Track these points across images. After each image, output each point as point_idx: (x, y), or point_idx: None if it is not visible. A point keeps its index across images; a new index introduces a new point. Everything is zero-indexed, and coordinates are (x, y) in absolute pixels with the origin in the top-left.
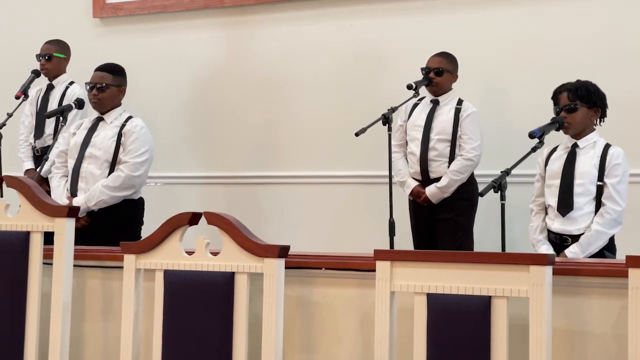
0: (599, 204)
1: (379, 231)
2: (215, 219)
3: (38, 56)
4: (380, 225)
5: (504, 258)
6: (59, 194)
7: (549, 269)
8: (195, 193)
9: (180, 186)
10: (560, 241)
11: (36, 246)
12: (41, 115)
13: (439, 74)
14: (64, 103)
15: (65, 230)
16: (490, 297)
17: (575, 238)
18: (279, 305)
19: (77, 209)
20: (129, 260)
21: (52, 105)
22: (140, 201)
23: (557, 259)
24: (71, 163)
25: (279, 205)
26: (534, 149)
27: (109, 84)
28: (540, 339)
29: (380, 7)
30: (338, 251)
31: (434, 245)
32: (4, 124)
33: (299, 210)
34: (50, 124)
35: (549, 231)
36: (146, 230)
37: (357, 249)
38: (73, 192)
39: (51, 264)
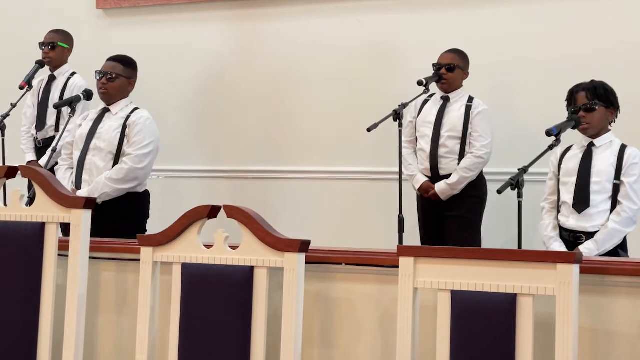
0: (614, 203)
1: (385, 227)
2: (235, 213)
3: (41, 44)
4: (387, 221)
5: (530, 256)
6: (65, 186)
7: (576, 268)
8: (198, 187)
9: (183, 179)
10: (573, 239)
11: (51, 237)
12: (43, 106)
13: (451, 70)
14: (66, 94)
15: (81, 221)
16: (516, 294)
17: (590, 235)
18: (299, 300)
19: (94, 200)
20: (146, 252)
21: (54, 96)
22: (146, 194)
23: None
24: (76, 155)
25: (284, 200)
26: (550, 147)
27: (119, 74)
28: (567, 337)
29: (390, 2)
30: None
31: (442, 242)
32: (7, 115)
33: (305, 206)
34: (52, 116)
35: (562, 229)
36: (149, 224)
37: (363, 245)
38: (77, 185)
39: (65, 256)
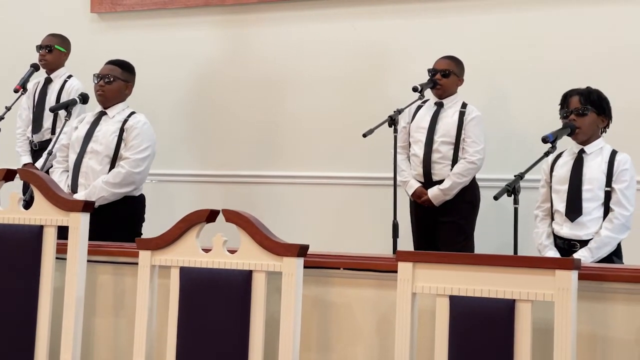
0: (607, 210)
1: (379, 233)
2: (234, 217)
3: (38, 47)
4: (380, 227)
5: (529, 261)
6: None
7: (574, 274)
8: (190, 191)
9: (176, 184)
10: (568, 246)
11: (49, 240)
12: (39, 109)
13: (446, 76)
14: (63, 97)
15: (80, 224)
16: (514, 300)
17: (584, 243)
18: (297, 304)
19: (92, 203)
20: (144, 256)
21: (51, 98)
22: (141, 198)
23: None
24: (72, 158)
25: (277, 205)
26: (546, 154)
27: (117, 77)
28: (565, 343)
29: (383, 8)
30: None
31: (435, 247)
32: (2, 118)
33: (297, 211)
34: (48, 118)
35: (557, 236)
36: (143, 228)
37: (358, 251)
38: (73, 188)
39: (62, 259)
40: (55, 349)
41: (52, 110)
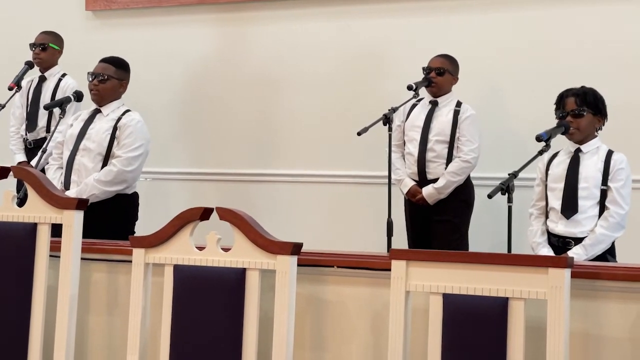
0: (602, 208)
1: (374, 231)
2: (228, 215)
3: (32, 45)
4: (375, 225)
5: (522, 260)
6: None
7: (567, 272)
8: (185, 189)
9: (171, 182)
10: (562, 244)
11: (43, 238)
12: (33, 107)
13: (440, 74)
14: (58, 95)
15: (74, 222)
16: (507, 298)
17: (579, 241)
18: (291, 302)
19: (86, 201)
20: (138, 254)
21: (45, 96)
22: (135, 196)
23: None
24: (66, 155)
25: (272, 203)
26: (540, 152)
27: (111, 76)
28: (558, 341)
29: (378, 7)
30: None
31: (429, 245)
32: None
33: (292, 209)
34: (43, 116)
35: (551, 234)
36: (137, 226)
37: (352, 249)
38: (66, 185)
39: (56, 257)
40: (49, 346)
41: (46, 108)
